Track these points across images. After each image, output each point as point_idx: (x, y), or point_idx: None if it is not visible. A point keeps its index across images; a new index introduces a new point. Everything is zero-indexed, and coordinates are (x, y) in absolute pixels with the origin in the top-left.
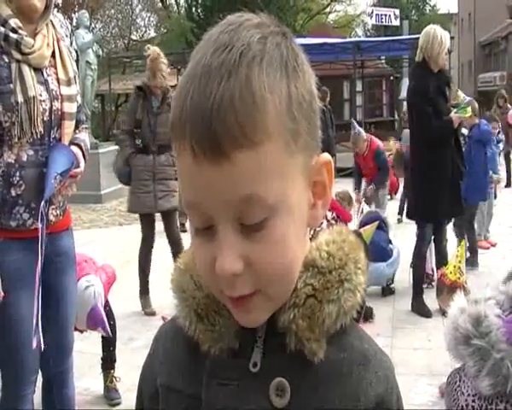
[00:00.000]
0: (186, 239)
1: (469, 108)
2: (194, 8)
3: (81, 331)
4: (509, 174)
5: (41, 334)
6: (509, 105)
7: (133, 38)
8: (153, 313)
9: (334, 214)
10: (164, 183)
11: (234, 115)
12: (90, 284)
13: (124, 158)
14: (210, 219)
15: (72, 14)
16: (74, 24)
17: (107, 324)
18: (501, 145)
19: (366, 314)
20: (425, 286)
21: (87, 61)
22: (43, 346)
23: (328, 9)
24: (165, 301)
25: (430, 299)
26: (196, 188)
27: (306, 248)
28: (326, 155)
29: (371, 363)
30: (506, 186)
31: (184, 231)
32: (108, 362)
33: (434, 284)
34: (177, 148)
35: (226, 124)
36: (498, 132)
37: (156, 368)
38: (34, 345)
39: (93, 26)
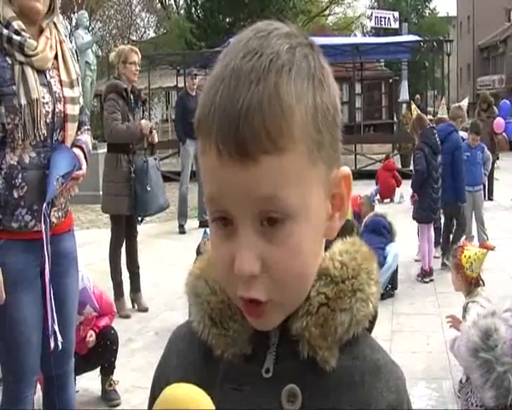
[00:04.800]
0: (184, 241)
1: None
2: (193, 9)
3: None
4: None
5: (58, 334)
6: (495, 109)
7: (133, 38)
8: (127, 316)
9: None
10: None
11: (261, 120)
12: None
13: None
14: (230, 215)
15: (72, 15)
16: (74, 24)
17: (94, 301)
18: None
19: None
20: (426, 280)
21: (86, 62)
22: (60, 345)
23: (327, 11)
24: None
25: (431, 298)
26: (219, 185)
27: (321, 257)
28: (346, 169)
29: (382, 372)
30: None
31: (183, 232)
32: (109, 370)
33: (429, 281)
34: (203, 144)
35: (253, 128)
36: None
37: (169, 370)
38: (52, 346)
39: (92, 26)
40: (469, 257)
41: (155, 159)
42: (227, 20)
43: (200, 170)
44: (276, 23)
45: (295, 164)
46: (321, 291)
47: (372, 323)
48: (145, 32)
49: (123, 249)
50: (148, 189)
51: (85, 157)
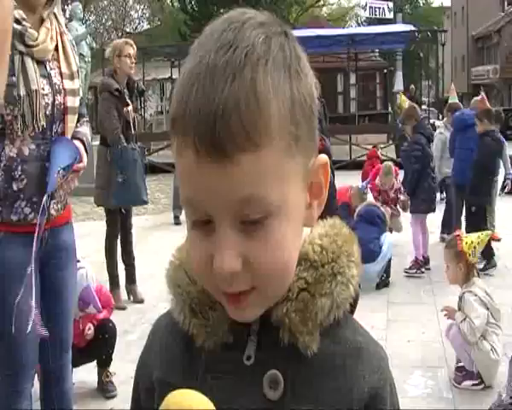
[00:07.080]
0: (179, 232)
1: None
2: (187, 1)
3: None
4: None
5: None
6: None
7: (127, 30)
8: (123, 308)
9: None
10: None
11: (239, 119)
12: (81, 266)
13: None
14: (209, 216)
15: (66, 7)
16: (67, 16)
17: (98, 301)
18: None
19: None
20: (422, 270)
21: (80, 54)
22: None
23: (321, 2)
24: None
25: (424, 288)
26: (197, 186)
27: (301, 244)
28: (323, 156)
29: (364, 354)
30: None
31: (178, 223)
32: (106, 362)
33: (425, 270)
34: (178, 143)
35: (231, 127)
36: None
37: (152, 362)
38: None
39: (86, 18)
40: (471, 242)
41: (141, 148)
42: (221, 11)
43: (177, 171)
44: (250, 11)
45: (274, 161)
46: (301, 276)
47: (353, 305)
48: (139, 23)
49: (118, 241)
50: (119, 180)
51: (85, 149)
